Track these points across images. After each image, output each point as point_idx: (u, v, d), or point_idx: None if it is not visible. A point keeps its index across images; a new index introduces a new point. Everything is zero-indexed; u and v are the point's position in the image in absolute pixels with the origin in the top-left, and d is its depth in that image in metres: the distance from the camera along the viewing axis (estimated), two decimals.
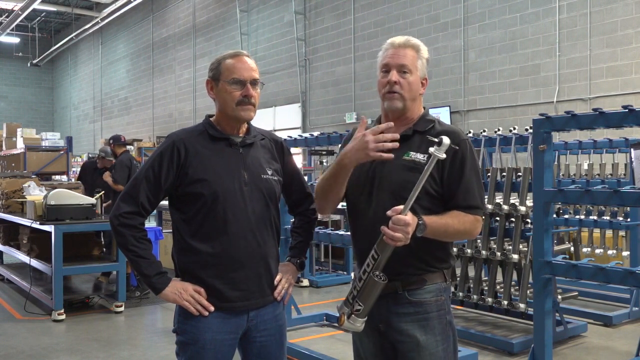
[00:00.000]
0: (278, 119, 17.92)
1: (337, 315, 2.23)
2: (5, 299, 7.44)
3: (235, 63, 2.32)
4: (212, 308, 2.27)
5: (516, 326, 5.84)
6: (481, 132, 5.80)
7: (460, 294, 5.59)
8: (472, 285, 5.58)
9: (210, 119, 2.43)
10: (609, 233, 7.10)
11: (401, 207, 2.04)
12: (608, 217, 6.69)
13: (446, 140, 1.99)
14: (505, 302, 5.24)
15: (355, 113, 14.82)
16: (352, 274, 7.68)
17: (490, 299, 5.37)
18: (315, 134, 6.80)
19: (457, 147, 2.19)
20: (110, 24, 25.76)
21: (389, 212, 2.04)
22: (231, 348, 2.34)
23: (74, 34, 25.92)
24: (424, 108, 2.38)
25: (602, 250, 7.02)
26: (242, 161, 2.36)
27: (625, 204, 3.90)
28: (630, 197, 3.33)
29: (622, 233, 6.92)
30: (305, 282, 8.20)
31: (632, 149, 4.62)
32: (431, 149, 2.01)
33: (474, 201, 2.21)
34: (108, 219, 2.37)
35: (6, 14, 25.33)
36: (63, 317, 6.26)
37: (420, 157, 2.22)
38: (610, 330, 5.90)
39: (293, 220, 2.67)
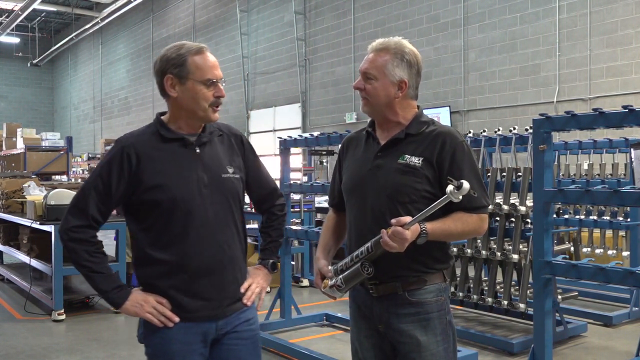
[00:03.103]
0: (278, 119, 17.92)
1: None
2: (5, 299, 7.43)
3: (204, 61, 2.17)
4: (176, 319, 2.16)
5: (516, 326, 5.83)
6: (481, 132, 5.80)
7: (460, 294, 5.59)
8: (472, 285, 5.57)
9: (162, 117, 2.27)
10: (609, 233, 7.09)
11: (407, 219, 2.03)
12: (608, 217, 6.68)
13: (466, 185, 1.94)
14: (505, 302, 5.23)
15: (355, 113, 14.82)
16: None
17: (490, 299, 5.36)
18: (315, 134, 6.80)
19: (455, 149, 2.19)
20: (110, 24, 25.75)
21: (393, 221, 2.04)
22: (202, 356, 2.23)
23: (74, 34, 25.91)
24: (418, 107, 2.35)
25: (602, 250, 7.01)
26: (200, 162, 2.21)
27: (625, 204, 3.92)
28: (630, 197, 3.35)
29: (622, 233, 6.90)
30: (305, 282, 8.20)
31: (632, 149, 4.74)
32: (449, 188, 1.96)
33: (477, 202, 2.20)
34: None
35: (6, 14, 25.32)
36: (63, 317, 6.26)
37: (415, 160, 2.21)
38: (610, 330, 5.90)
39: (261, 218, 2.54)
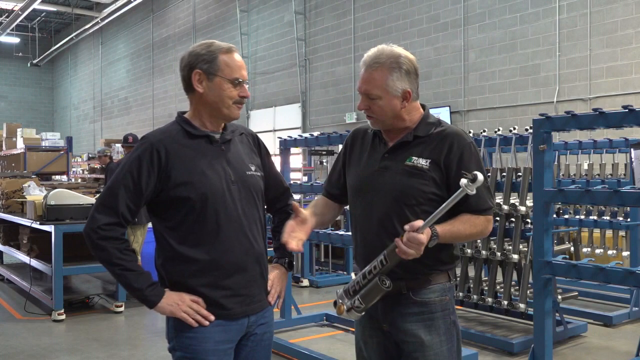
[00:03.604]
0: (278, 119, 17.93)
1: (336, 306, 2.21)
2: (5, 298, 7.44)
3: (234, 60, 2.20)
4: (212, 317, 2.14)
5: (516, 326, 5.84)
6: (481, 132, 5.82)
7: (460, 294, 5.59)
8: (472, 285, 5.58)
9: (184, 115, 2.29)
10: (609, 233, 7.10)
11: (419, 223, 2.00)
12: (608, 217, 6.68)
13: (480, 176, 1.91)
14: (505, 302, 5.24)
15: (355, 113, 14.82)
16: (352, 274, 7.62)
17: (490, 299, 5.37)
18: (315, 134, 6.81)
19: (463, 152, 2.19)
20: (110, 24, 25.76)
21: (406, 227, 2.00)
22: (231, 357, 2.23)
23: (74, 34, 25.94)
24: (424, 108, 2.33)
25: (602, 250, 7.02)
26: (225, 158, 2.23)
27: (626, 204, 3.92)
28: (631, 197, 3.37)
29: (622, 233, 6.91)
30: (305, 282, 8.20)
31: (632, 149, 4.75)
32: (463, 181, 1.93)
33: (485, 204, 2.20)
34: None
35: (6, 14, 25.33)
36: (63, 317, 6.26)
37: (422, 162, 2.19)
38: (610, 330, 5.90)
39: (272, 218, 2.53)
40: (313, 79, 16.62)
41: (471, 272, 5.64)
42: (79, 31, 25.65)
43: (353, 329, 5.83)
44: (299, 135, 6.02)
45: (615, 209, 6.62)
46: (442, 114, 12.21)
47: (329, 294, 7.65)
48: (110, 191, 2.14)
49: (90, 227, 2.11)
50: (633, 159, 4.70)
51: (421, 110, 2.31)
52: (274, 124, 18.07)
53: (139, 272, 2.14)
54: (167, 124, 2.29)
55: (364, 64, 2.25)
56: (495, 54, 11.92)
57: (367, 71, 2.23)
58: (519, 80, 11.47)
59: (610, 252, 6.94)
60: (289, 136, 5.92)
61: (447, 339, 2.25)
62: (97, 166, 15.68)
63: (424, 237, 1.99)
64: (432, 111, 2.39)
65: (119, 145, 14.42)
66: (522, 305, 5.11)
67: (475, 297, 5.50)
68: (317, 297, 7.61)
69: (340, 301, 2.21)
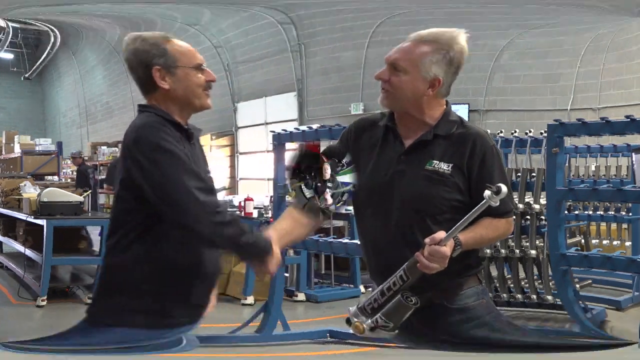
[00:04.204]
0: (270, 111, 15.57)
1: (351, 324, 1.99)
2: (4, 284, 7.89)
3: (187, 47, 2.02)
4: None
5: (556, 317, 5.64)
6: (498, 133, 5.94)
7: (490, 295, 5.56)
8: (497, 285, 5.53)
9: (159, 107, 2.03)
10: (613, 226, 7.60)
11: (441, 235, 1.90)
12: (613, 212, 7.17)
13: (504, 189, 1.83)
14: (534, 296, 5.28)
15: (362, 104, 13.26)
16: (361, 287, 6.96)
17: (519, 295, 5.36)
18: (315, 126, 5.98)
19: (485, 154, 2.06)
20: (69, 35, 25.43)
21: (427, 240, 1.89)
22: None
23: (49, 48, 26.09)
24: (447, 104, 2.13)
25: (608, 241, 7.53)
26: (197, 157, 2.05)
27: (628, 201, 4.75)
28: (632, 195, 4.07)
29: (625, 226, 7.41)
30: (301, 297, 6.76)
31: (633, 154, 5.71)
32: (487, 193, 1.84)
33: (506, 207, 2.05)
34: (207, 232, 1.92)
35: (1, 32, 25.77)
36: (44, 303, 6.45)
37: (444, 167, 2.02)
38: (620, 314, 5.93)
39: None
40: (310, 65, 14.61)
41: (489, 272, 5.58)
42: (50, 44, 25.73)
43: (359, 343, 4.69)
44: (295, 128, 5.42)
45: (619, 205, 7.05)
46: (460, 112, 12.02)
47: (332, 309, 6.41)
48: (182, 184, 1.88)
49: (211, 223, 1.89)
50: (634, 162, 5.59)
51: (444, 106, 2.13)
52: (265, 116, 15.65)
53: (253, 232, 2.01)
54: (142, 117, 1.99)
55: (409, 37, 2.07)
56: (527, 59, 12.03)
57: (411, 42, 2.05)
58: (540, 87, 11.75)
59: (615, 242, 7.48)
60: (283, 129, 5.24)
61: (513, 331, 2.17)
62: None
63: (447, 249, 1.89)
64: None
65: (104, 147, 16.62)
66: (549, 297, 5.18)
67: (505, 295, 5.44)
68: (316, 313, 6.43)
69: (356, 319, 1.99)
